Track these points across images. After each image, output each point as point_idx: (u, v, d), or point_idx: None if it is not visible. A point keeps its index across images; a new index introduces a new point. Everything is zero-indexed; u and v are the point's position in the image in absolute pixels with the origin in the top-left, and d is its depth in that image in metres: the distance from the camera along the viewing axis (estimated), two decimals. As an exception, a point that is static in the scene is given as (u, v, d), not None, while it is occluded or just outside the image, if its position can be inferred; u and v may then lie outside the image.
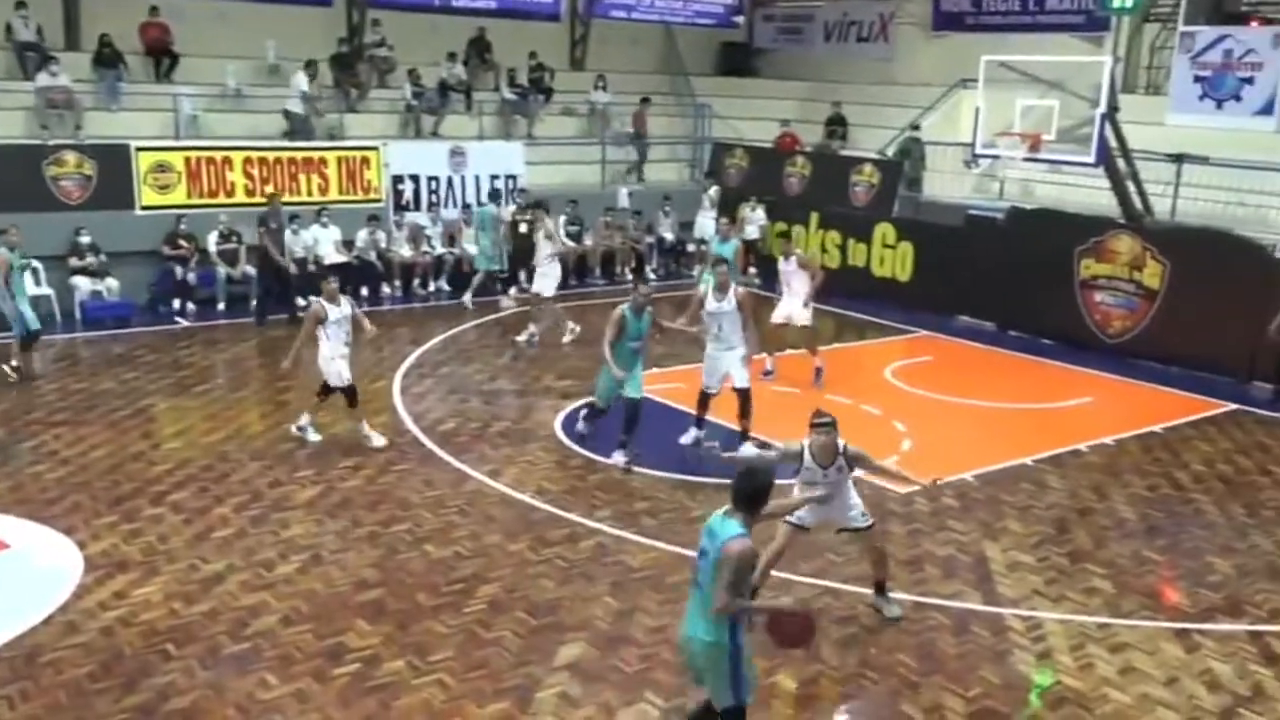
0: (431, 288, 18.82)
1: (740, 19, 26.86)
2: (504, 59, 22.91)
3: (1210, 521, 10.22)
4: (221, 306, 17.01)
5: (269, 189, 17.56)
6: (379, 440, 11.41)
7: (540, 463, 11.11)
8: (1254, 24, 18.80)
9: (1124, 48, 20.50)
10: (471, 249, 18.69)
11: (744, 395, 11.27)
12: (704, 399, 11.50)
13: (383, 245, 18.41)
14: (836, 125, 23.08)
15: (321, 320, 11.07)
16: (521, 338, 15.67)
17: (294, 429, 11.61)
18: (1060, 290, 16.33)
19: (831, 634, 7.92)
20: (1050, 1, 21.59)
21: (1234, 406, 13.62)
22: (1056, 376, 14.46)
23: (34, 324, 13.42)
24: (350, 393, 11.36)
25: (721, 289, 11.11)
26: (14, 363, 13.28)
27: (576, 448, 11.45)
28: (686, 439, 11.57)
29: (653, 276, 20.79)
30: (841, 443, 7.81)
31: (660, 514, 9.89)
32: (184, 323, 16.43)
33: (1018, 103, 16.25)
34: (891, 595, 8.34)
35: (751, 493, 5.67)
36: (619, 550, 9.15)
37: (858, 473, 8.11)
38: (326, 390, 11.35)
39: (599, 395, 11.18)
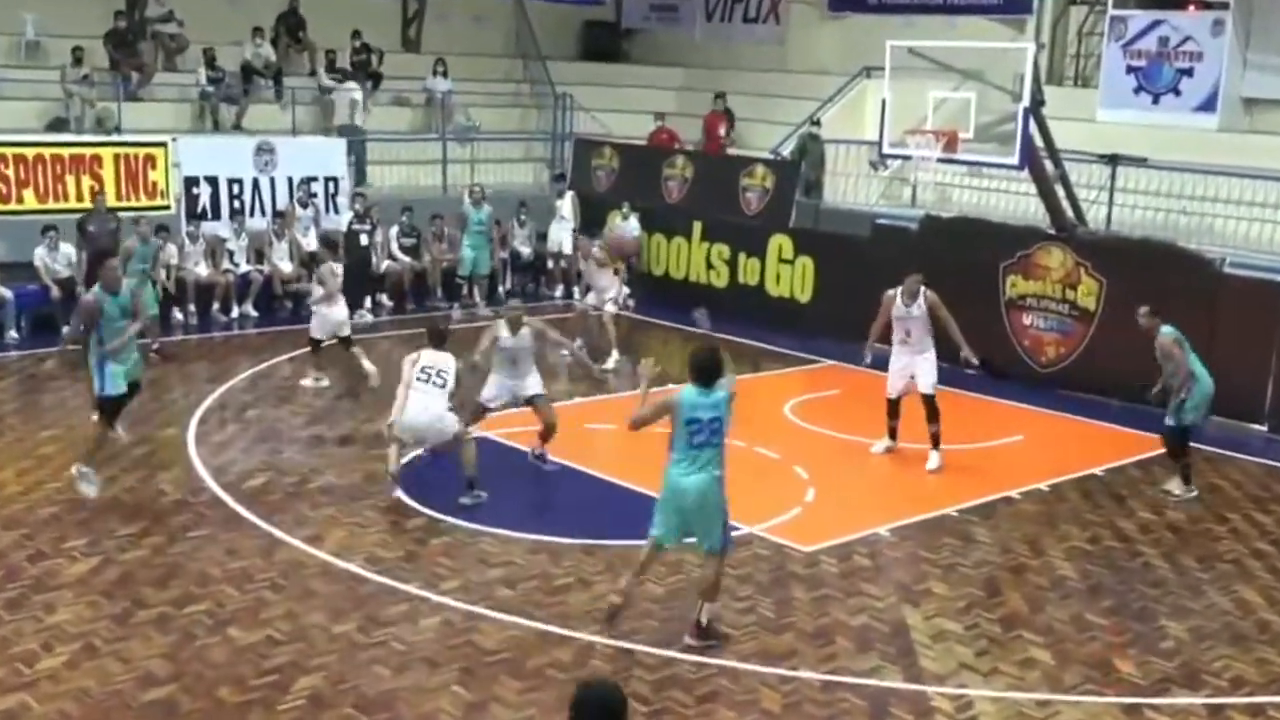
0: (235, 313, 18.46)
1: (606, -6, 27.10)
2: (321, 38, 22.69)
3: (1161, 578, 10.51)
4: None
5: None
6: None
7: (371, 525, 10.91)
8: (1191, 8, 19.68)
9: (1048, 33, 21.25)
10: (285, 266, 18.61)
11: (929, 402, 12.85)
12: (892, 406, 13.17)
13: (173, 262, 17.94)
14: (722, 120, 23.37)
15: None
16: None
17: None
18: (984, 312, 16.69)
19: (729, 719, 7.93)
20: (964, -21, 22.28)
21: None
22: (982, 412, 14.77)
23: (153, 308, 15.50)
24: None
25: (910, 295, 12.78)
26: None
27: (416, 505, 11.29)
28: (878, 448, 13.31)
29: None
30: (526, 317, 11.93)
31: (519, 584, 9.78)
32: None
33: (930, 95, 16.62)
34: None
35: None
36: (469, 629, 9.01)
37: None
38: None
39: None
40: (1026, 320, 16.66)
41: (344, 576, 9.85)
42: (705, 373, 8.65)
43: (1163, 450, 12.72)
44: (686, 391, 8.68)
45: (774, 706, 8.12)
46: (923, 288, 12.83)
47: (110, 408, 11.29)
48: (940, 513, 11.69)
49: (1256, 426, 14.69)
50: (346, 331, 15.07)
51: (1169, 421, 12.37)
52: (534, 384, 12.23)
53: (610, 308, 16.76)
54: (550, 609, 9.35)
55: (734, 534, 10.70)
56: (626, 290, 17.63)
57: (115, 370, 11.15)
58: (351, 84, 21.99)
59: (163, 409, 14.06)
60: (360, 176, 21.32)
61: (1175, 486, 12.45)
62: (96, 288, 11.26)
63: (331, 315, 14.97)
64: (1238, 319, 14.77)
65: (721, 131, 22.71)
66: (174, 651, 8.55)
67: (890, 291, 13.00)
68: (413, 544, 10.53)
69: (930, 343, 12.98)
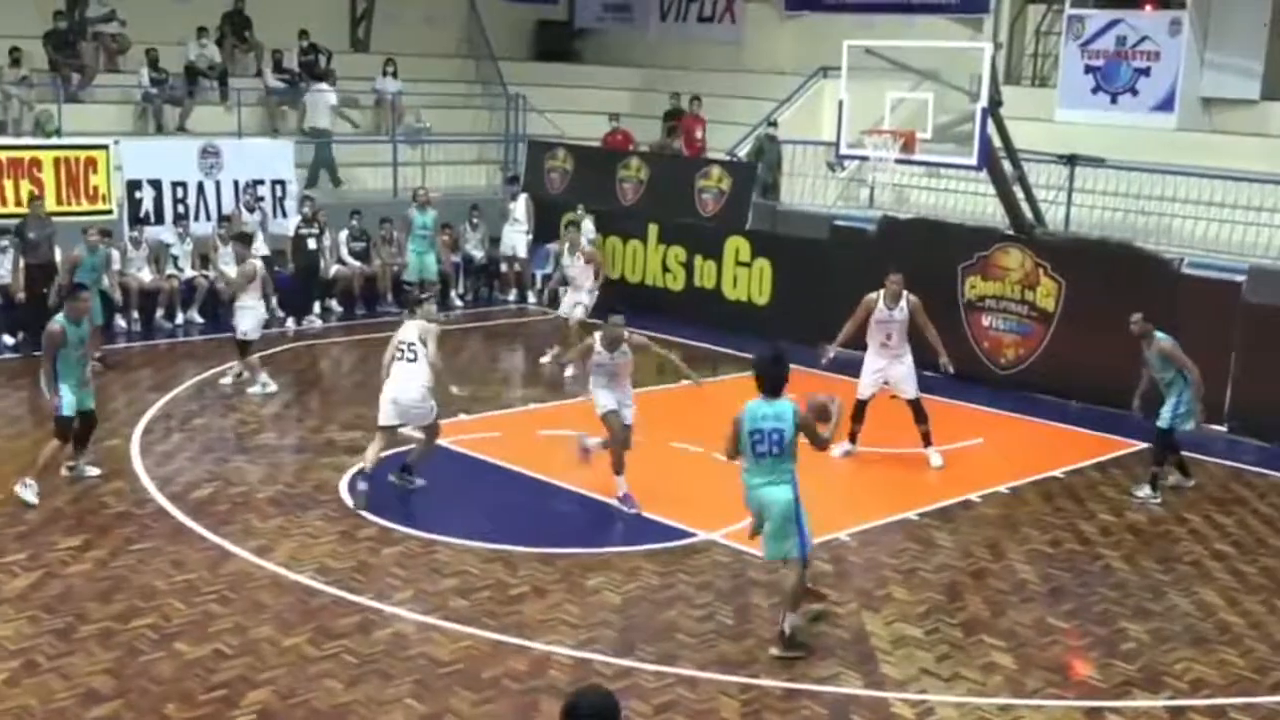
0: (180, 319, 18.37)
1: (559, -7, 27.15)
2: (268, 38, 22.60)
3: (1121, 580, 10.61)
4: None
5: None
6: None
7: (322, 535, 10.86)
8: (1148, 8, 19.90)
9: (1005, 33, 21.44)
10: (229, 270, 18.46)
11: (915, 405, 13.21)
12: (859, 409, 13.21)
13: (116, 267, 17.80)
14: (677, 120, 23.41)
15: None
16: (546, 358, 17.15)
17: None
18: (943, 314, 16.74)
19: (687, 732, 7.95)
20: (921, -22, 22.44)
21: (1143, 445, 14.17)
22: (942, 414, 14.79)
23: (98, 318, 15.00)
24: None
25: (894, 298, 13.01)
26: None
27: (367, 515, 11.26)
28: (838, 453, 12.86)
29: (459, 303, 20.76)
30: (627, 333, 11.47)
31: (473, 594, 9.77)
32: None
33: (887, 95, 16.68)
34: None
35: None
36: (423, 640, 9.00)
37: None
38: None
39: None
40: (986, 322, 16.78)
41: (294, 588, 9.81)
42: (765, 379, 8.81)
43: (1150, 449, 12.94)
44: (752, 403, 8.82)
45: (733, 715, 8.14)
46: (905, 291, 13.08)
47: (64, 428, 11.46)
48: (900, 517, 11.77)
49: (1216, 428, 14.82)
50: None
51: (1161, 424, 12.54)
52: (628, 398, 11.89)
53: (579, 312, 16.80)
54: (505, 619, 9.34)
55: (694, 540, 10.84)
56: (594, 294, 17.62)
57: (68, 396, 11.35)
58: (324, 85, 22.01)
59: (106, 418, 13.91)
60: (334, 180, 21.45)
61: (1141, 490, 12.59)
62: (61, 316, 11.42)
63: (261, 310, 15.24)
64: (1196, 319, 14.88)
65: (699, 134, 22.65)
66: (118, 668, 8.48)
67: (872, 295, 13.17)
68: (365, 554, 10.48)
69: (908, 347, 13.23)
